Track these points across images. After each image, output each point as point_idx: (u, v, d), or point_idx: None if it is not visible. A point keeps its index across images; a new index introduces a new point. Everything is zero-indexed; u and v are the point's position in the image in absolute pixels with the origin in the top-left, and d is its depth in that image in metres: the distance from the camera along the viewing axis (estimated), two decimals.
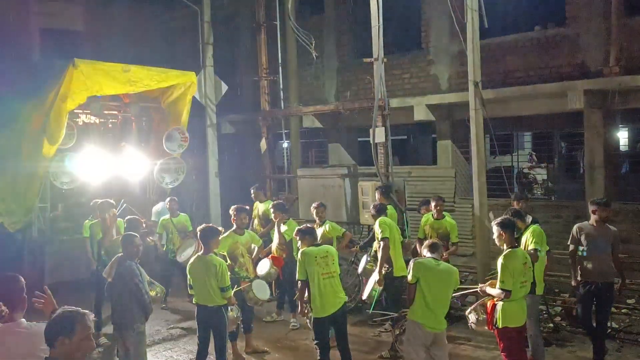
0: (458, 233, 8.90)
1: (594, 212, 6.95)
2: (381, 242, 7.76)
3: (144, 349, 6.44)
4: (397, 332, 6.07)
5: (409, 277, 5.86)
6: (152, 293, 7.60)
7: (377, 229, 7.89)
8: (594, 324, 6.97)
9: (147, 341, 8.48)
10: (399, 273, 7.88)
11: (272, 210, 9.03)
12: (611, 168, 11.22)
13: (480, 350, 7.74)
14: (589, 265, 6.86)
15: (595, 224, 6.92)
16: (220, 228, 7.34)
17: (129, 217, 8.03)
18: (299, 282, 6.50)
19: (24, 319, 3.79)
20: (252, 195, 10.59)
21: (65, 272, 10.41)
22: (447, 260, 8.01)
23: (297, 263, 6.49)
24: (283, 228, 8.90)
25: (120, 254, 6.43)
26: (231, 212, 8.06)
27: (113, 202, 8.92)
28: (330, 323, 6.51)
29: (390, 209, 8.77)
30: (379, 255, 7.79)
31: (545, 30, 11.56)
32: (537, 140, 16.78)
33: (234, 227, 7.96)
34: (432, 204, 8.79)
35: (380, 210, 8.20)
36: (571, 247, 7.11)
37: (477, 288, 6.39)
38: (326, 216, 8.98)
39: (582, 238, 6.94)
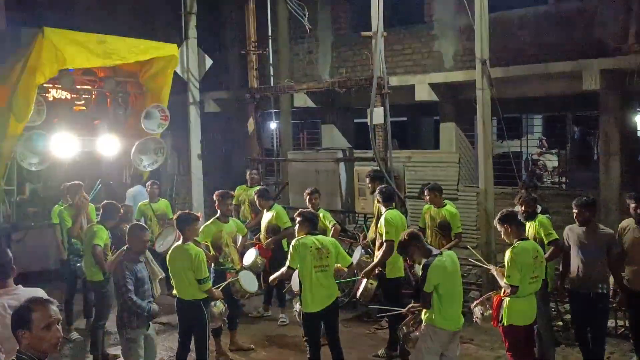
0: (462, 223, 8.75)
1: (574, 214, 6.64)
2: (384, 244, 7.49)
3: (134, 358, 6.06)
4: (405, 331, 6.03)
5: (426, 286, 5.60)
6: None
7: (382, 224, 7.58)
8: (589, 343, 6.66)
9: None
10: (394, 274, 7.70)
11: (256, 196, 9.04)
12: (628, 155, 11.26)
13: (483, 349, 7.81)
14: (578, 274, 6.56)
15: (585, 227, 6.57)
16: (198, 214, 7.33)
17: (105, 201, 7.98)
18: (287, 268, 6.54)
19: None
20: (247, 178, 10.49)
21: (33, 261, 10.35)
22: None
23: (290, 250, 6.49)
24: (268, 216, 8.92)
25: (126, 247, 6.20)
26: (215, 198, 8.04)
27: (82, 184, 8.88)
28: (321, 319, 6.54)
29: None
30: (377, 254, 7.67)
31: (559, 4, 11.54)
32: (548, 124, 16.88)
33: (218, 214, 7.95)
34: (425, 193, 8.70)
35: (389, 197, 7.85)
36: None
37: (490, 267, 6.42)
38: (319, 204, 8.98)
39: (571, 243, 6.66)
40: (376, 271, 7.57)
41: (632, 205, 6.61)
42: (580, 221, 6.57)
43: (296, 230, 6.70)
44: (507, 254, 5.86)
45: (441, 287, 5.61)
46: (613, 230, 6.86)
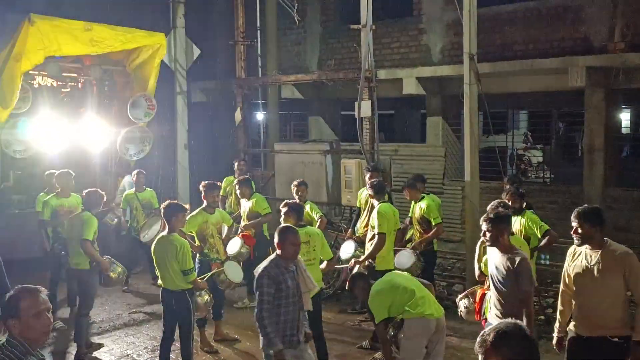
0: (440, 215, 8.64)
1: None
2: (376, 236, 7.54)
3: None
4: (392, 333, 6.14)
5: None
6: (113, 275, 7.60)
7: (375, 217, 7.63)
8: None
9: (107, 326, 8.56)
10: (384, 267, 7.66)
11: (236, 186, 9.08)
12: (612, 151, 11.38)
13: (466, 341, 7.87)
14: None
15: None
16: (186, 205, 7.32)
17: (88, 189, 7.93)
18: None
19: None
20: (236, 169, 10.48)
21: (16, 249, 10.28)
22: (419, 249, 8.14)
23: None
24: (248, 204, 8.98)
25: (275, 253, 5.32)
26: (201, 188, 8.03)
27: (72, 173, 8.84)
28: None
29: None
30: (369, 247, 7.71)
31: (547, 1, 11.59)
32: (533, 120, 17.00)
33: (204, 204, 7.94)
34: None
35: (380, 190, 7.88)
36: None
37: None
38: (306, 196, 9.00)
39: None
40: (366, 263, 7.62)
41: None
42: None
43: (282, 221, 6.69)
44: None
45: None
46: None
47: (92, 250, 7.36)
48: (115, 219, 10.15)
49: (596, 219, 4.86)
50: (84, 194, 7.81)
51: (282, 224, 6.01)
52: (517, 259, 5.03)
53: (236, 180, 9.36)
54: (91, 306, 7.68)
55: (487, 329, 2.60)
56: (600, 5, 10.76)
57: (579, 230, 4.87)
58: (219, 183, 8.27)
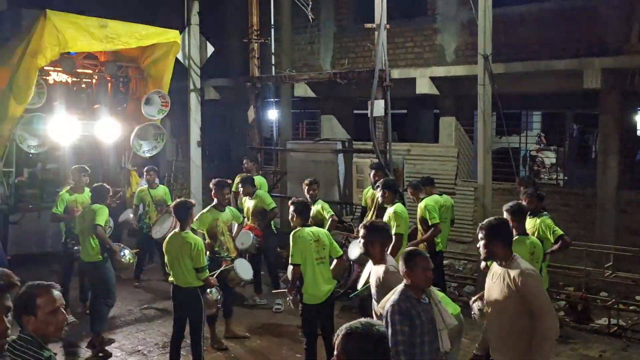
0: (441, 215, 8.63)
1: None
2: (394, 237, 7.32)
3: None
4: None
5: None
6: (123, 260, 7.71)
7: (392, 217, 7.61)
8: None
9: (118, 322, 8.60)
10: None
11: (240, 184, 9.14)
12: (626, 154, 11.27)
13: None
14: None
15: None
16: (193, 201, 7.34)
17: (95, 184, 7.97)
18: (293, 266, 6.47)
19: None
20: (245, 167, 10.52)
21: (30, 243, 10.36)
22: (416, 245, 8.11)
23: (291, 245, 6.47)
24: (252, 202, 9.07)
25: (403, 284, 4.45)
26: (211, 186, 8.05)
27: (87, 169, 8.90)
28: (320, 311, 6.55)
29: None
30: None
31: (563, 1, 11.49)
32: (547, 121, 16.87)
33: (215, 202, 7.95)
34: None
35: (396, 190, 7.94)
36: None
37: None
38: (318, 194, 9.00)
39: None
40: None
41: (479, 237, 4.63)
42: (486, 253, 4.57)
43: (291, 220, 6.68)
44: None
45: None
46: None
47: (103, 234, 7.47)
48: (132, 216, 10.25)
49: (497, 233, 4.45)
50: (91, 189, 7.89)
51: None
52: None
53: (239, 178, 9.41)
54: (114, 296, 7.74)
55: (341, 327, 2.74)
56: (617, 7, 10.66)
57: (481, 245, 4.52)
58: (229, 181, 8.28)
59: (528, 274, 4.31)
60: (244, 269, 7.67)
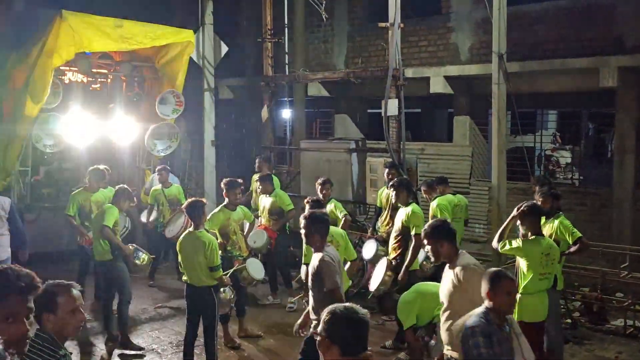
0: (452, 215, 8.56)
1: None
2: (414, 238, 7.36)
3: None
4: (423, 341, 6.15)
5: None
6: (138, 262, 7.71)
7: (410, 217, 7.52)
8: None
9: (132, 320, 8.62)
10: (412, 267, 7.61)
11: (258, 183, 9.14)
12: None
13: None
14: None
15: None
16: (204, 199, 7.34)
17: (119, 185, 7.99)
18: (305, 265, 6.47)
19: None
20: (257, 166, 10.55)
21: (46, 242, 10.42)
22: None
23: (304, 245, 6.46)
24: (269, 200, 9.04)
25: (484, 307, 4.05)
26: (223, 186, 8.08)
27: (102, 169, 8.93)
28: None
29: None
30: (394, 247, 7.67)
31: None
32: (562, 120, 16.74)
33: (226, 202, 7.97)
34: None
35: (409, 189, 7.88)
36: None
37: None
38: (331, 194, 9.00)
39: None
40: (393, 262, 7.55)
41: None
42: (433, 254, 4.85)
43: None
44: (519, 240, 5.90)
45: None
46: None
47: (110, 234, 7.38)
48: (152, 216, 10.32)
49: (439, 233, 4.70)
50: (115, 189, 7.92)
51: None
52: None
53: (258, 176, 9.41)
54: (130, 294, 7.69)
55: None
56: (634, 5, 10.55)
57: (429, 250, 4.76)
58: (240, 180, 8.28)
59: (470, 269, 4.52)
60: (256, 269, 7.68)
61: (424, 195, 8.84)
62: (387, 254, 7.93)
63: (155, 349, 7.71)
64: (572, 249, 6.80)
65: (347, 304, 2.98)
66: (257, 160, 10.66)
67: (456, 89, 12.71)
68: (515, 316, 5.77)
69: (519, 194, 10.95)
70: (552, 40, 11.41)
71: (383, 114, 9.89)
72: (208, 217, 7.43)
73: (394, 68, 9.68)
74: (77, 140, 10.66)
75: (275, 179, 10.33)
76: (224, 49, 12.68)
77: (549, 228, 6.80)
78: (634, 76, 10.51)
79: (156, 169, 10.70)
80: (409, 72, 11.82)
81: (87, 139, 10.73)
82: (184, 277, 6.69)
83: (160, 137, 11.55)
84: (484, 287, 4.01)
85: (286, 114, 15.97)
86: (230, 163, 15.12)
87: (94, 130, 10.80)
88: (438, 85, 12.54)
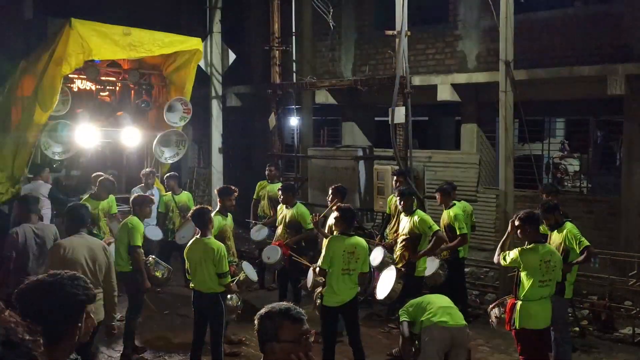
0: (469, 224, 8.85)
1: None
2: (434, 237, 7.73)
3: None
4: None
5: None
6: (158, 274, 7.75)
7: (418, 224, 7.78)
8: None
9: (140, 327, 8.66)
10: (420, 273, 7.89)
11: (280, 192, 9.04)
12: None
13: (498, 353, 7.78)
14: None
15: None
16: (209, 207, 7.41)
17: (136, 193, 8.07)
18: (319, 269, 6.58)
19: None
20: (267, 173, 10.55)
21: None
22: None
23: (324, 249, 6.54)
24: (289, 212, 8.92)
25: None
26: (216, 192, 8.28)
27: (111, 179, 8.99)
28: (340, 313, 6.60)
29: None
30: (401, 252, 7.91)
31: (586, 7, 11.43)
32: (570, 128, 16.71)
33: (218, 207, 8.09)
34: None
35: (411, 197, 8.12)
36: None
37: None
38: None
39: None
40: (402, 270, 7.67)
41: None
42: None
43: (333, 224, 6.86)
44: (515, 250, 5.97)
45: None
46: None
47: (139, 257, 7.39)
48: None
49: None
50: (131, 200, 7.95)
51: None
52: None
53: (281, 185, 9.35)
54: (140, 308, 7.72)
55: None
56: None
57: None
58: (233, 187, 8.33)
59: None
60: (251, 271, 7.87)
61: (438, 202, 8.80)
62: (394, 261, 7.99)
63: (162, 355, 7.75)
64: (580, 258, 6.82)
65: (283, 303, 3.06)
66: (267, 168, 10.66)
67: (463, 97, 12.72)
68: (516, 323, 5.85)
69: (527, 201, 10.95)
70: (560, 48, 11.43)
71: (390, 122, 9.93)
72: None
73: (401, 76, 9.73)
74: (86, 148, 10.73)
75: None
76: (232, 56, 12.77)
77: (558, 236, 6.83)
78: None
79: (164, 177, 10.76)
80: (416, 80, 11.86)
81: (96, 146, 10.80)
82: (191, 284, 6.73)
83: (168, 144, 11.62)
84: None
85: (293, 121, 16.02)
86: (238, 170, 15.18)
87: (102, 137, 10.88)
88: (445, 93, 12.56)
